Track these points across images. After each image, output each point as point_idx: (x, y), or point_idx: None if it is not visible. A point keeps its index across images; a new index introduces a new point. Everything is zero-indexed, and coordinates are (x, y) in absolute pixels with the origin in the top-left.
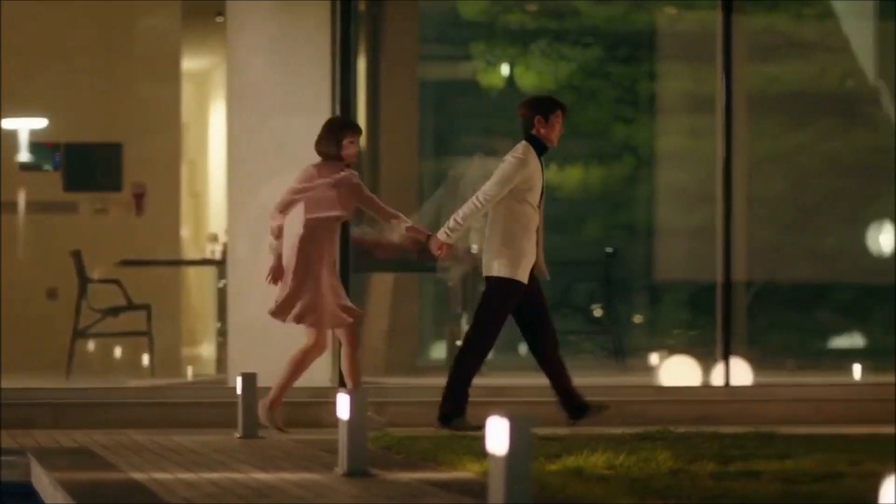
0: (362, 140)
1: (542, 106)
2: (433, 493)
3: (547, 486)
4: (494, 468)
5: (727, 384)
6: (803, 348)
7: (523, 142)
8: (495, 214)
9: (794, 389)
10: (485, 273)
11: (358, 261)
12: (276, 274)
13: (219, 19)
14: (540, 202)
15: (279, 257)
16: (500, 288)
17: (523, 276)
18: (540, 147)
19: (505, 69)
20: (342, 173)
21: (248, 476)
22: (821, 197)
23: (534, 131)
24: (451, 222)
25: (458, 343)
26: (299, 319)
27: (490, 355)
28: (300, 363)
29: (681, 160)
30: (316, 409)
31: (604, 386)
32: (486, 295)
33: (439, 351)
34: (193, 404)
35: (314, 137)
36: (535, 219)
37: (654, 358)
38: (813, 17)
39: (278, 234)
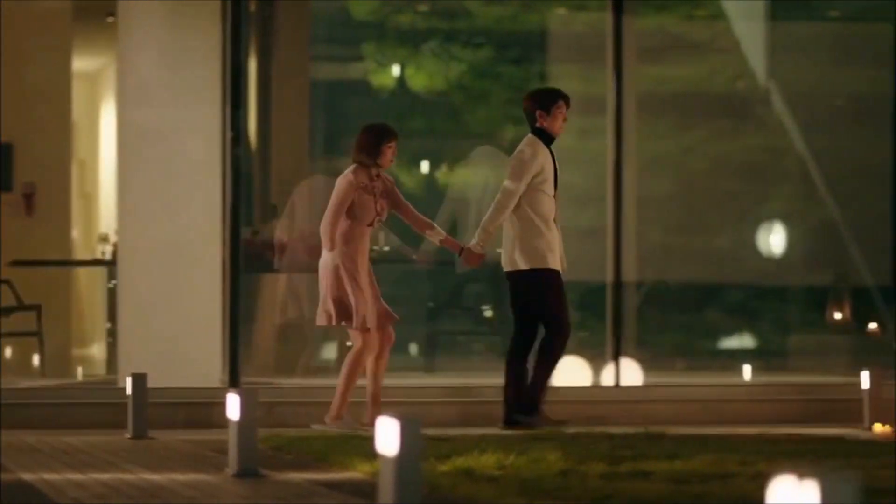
0: (254, 140)
1: (543, 98)
2: (323, 493)
3: (437, 487)
4: (384, 469)
5: (617, 384)
6: (693, 349)
7: (529, 135)
8: (515, 210)
9: (684, 390)
10: (506, 268)
11: (249, 262)
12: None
13: (109, 19)
14: (555, 192)
15: (336, 268)
16: (528, 280)
17: (554, 264)
18: (547, 138)
19: (396, 70)
20: (377, 179)
21: (138, 476)
22: (710, 198)
23: (537, 124)
24: (480, 232)
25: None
26: (349, 322)
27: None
28: (355, 366)
29: (571, 161)
30: (207, 409)
31: (494, 386)
32: (511, 291)
33: (330, 352)
34: (83, 405)
35: (205, 137)
36: (553, 209)
37: None
38: (703, 19)
39: (332, 247)
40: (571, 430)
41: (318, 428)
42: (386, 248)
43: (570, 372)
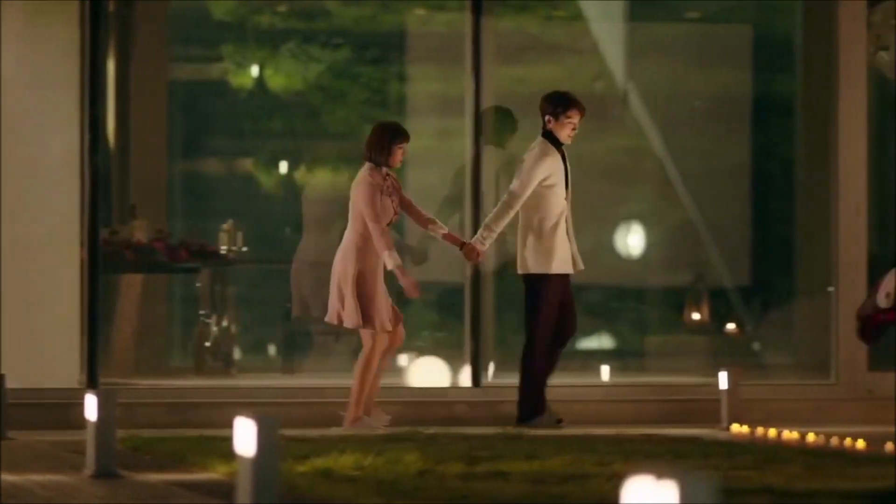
0: (113, 140)
1: (556, 103)
2: (181, 494)
3: (295, 487)
4: (242, 469)
5: (476, 385)
6: None
7: (539, 137)
8: (525, 212)
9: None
10: (519, 271)
11: (106, 261)
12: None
13: None
14: (567, 194)
15: (359, 272)
16: (536, 284)
17: (560, 269)
18: (555, 141)
19: (254, 70)
20: (389, 178)
21: None
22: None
23: (546, 127)
24: (483, 230)
25: (207, 344)
26: (364, 324)
27: (238, 355)
28: (368, 368)
29: (430, 161)
30: (64, 410)
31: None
32: (526, 293)
33: (187, 352)
34: None
35: (64, 137)
36: (563, 212)
37: (402, 359)
38: (562, 20)
39: (391, 245)
40: (431, 430)
41: (338, 431)
42: (245, 249)
43: (428, 372)
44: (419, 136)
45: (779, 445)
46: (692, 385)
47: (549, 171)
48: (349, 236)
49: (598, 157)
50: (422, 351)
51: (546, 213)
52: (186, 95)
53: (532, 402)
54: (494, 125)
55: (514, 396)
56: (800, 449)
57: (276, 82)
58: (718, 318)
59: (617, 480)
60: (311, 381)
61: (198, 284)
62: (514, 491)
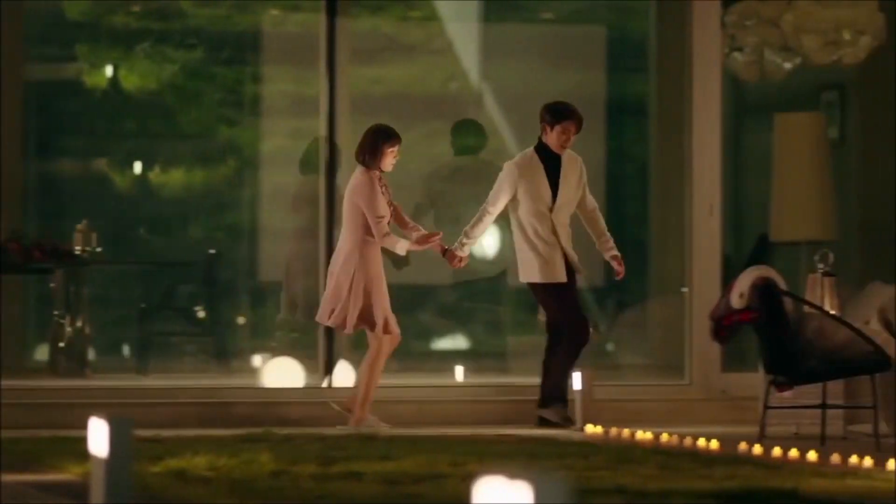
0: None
1: (553, 113)
2: (34, 495)
3: (149, 488)
4: (95, 470)
5: (330, 386)
6: (406, 350)
7: (530, 148)
8: (513, 222)
9: (397, 390)
10: (521, 280)
11: None
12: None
13: None
14: (553, 204)
15: (360, 273)
16: (537, 290)
17: (550, 277)
18: (548, 151)
19: (109, 70)
20: (382, 180)
21: None
22: (425, 198)
23: (542, 136)
24: (462, 236)
25: (62, 345)
26: (372, 326)
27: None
28: (374, 368)
29: (284, 162)
30: None
31: (208, 388)
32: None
33: (42, 353)
34: None
35: None
36: (546, 222)
37: (257, 359)
38: (417, 20)
39: (395, 241)
40: (285, 431)
41: (343, 429)
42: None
43: (283, 373)
44: (274, 136)
45: (633, 446)
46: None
47: (516, 182)
48: (350, 242)
49: (453, 157)
50: (276, 352)
51: (525, 227)
52: (42, 95)
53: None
54: (463, 135)
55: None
56: (653, 449)
57: (130, 82)
58: None
59: (471, 481)
60: (164, 381)
61: (52, 285)
62: (369, 491)
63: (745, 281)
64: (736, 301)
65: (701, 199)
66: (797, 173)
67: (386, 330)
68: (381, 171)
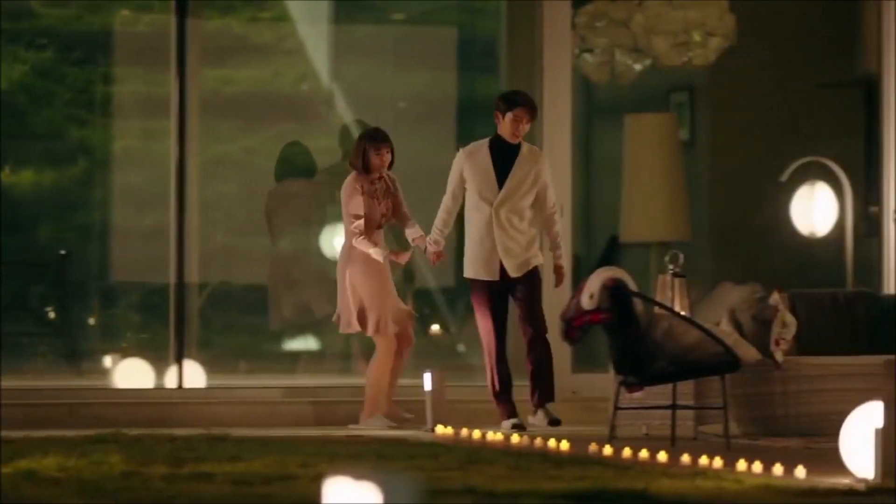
0: None
1: (503, 102)
2: None
3: None
4: None
5: (180, 386)
6: (257, 350)
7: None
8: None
9: (248, 392)
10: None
11: None
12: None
13: None
14: (497, 197)
15: (351, 274)
16: (470, 288)
17: (485, 275)
18: (502, 141)
19: None
20: (380, 181)
21: None
22: (276, 199)
23: (497, 124)
24: (433, 232)
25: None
26: (364, 327)
27: None
28: (380, 370)
29: (135, 162)
30: None
31: (58, 388)
32: None
33: None
34: None
35: None
36: (482, 215)
37: (107, 360)
38: (268, 21)
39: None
40: (135, 432)
41: (354, 428)
42: None
43: (133, 374)
44: (124, 136)
45: (483, 446)
46: (398, 387)
47: (469, 174)
48: (345, 245)
49: (303, 157)
50: (126, 352)
51: (470, 219)
52: None
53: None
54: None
55: (219, 398)
56: (504, 450)
57: None
58: (423, 320)
59: (321, 481)
60: (14, 382)
61: None
62: (219, 492)
63: (595, 282)
64: (586, 302)
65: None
66: (647, 174)
67: (377, 331)
68: (371, 173)
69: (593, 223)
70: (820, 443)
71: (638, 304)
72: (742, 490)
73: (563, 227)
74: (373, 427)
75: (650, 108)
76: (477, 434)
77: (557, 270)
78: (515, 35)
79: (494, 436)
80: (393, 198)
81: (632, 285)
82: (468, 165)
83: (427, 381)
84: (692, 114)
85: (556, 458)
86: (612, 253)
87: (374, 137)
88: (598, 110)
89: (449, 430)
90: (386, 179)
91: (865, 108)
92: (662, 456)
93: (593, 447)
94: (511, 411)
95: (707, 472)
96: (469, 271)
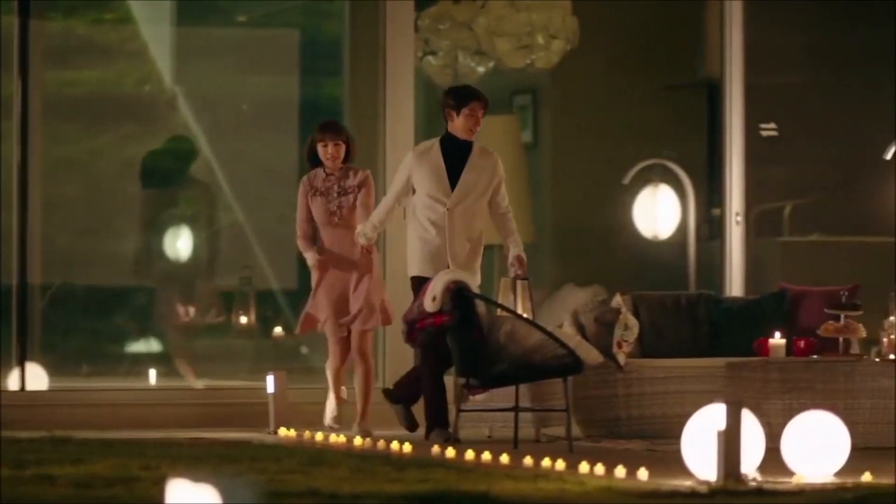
0: None
1: (453, 98)
2: None
3: None
4: None
5: (22, 389)
6: (100, 353)
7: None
8: (408, 212)
9: (91, 394)
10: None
11: None
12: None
13: None
14: (451, 198)
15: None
16: (412, 286)
17: (431, 273)
18: (453, 140)
19: None
20: (330, 181)
21: None
22: (118, 202)
23: (448, 123)
24: (367, 225)
25: None
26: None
27: None
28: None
29: None
30: None
31: None
32: None
33: None
34: None
35: None
36: (434, 216)
37: None
38: (111, 22)
39: (309, 250)
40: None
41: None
42: None
43: None
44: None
45: (326, 448)
46: (240, 389)
47: (418, 174)
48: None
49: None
50: None
51: (416, 217)
52: None
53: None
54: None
55: (62, 400)
56: (346, 452)
57: None
58: (266, 322)
59: (164, 484)
60: None
61: None
62: (61, 495)
63: (438, 284)
64: (429, 304)
65: None
66: None
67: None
68: (326, 167)
69: None
70: (662, 445)
71: (480, 307)
72: (584, 492)
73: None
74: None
75: (493, 111)
76: (319, 436)
77: (519, 260)
78: (358, 37)
79: (337, 438)
80: (352, 197)
81: (474, 288)
82: (418, 167)
83: (269, 383)
84: (535, 116)
85: (398, 461)
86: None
87: (322, 129)
88: (440, 112)
89: (291, 433)
90: (348, 177)
91: (708, 110)
92: (505, 458)
93: (436, 450)
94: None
95: (549, 475)
96: (414, 269)
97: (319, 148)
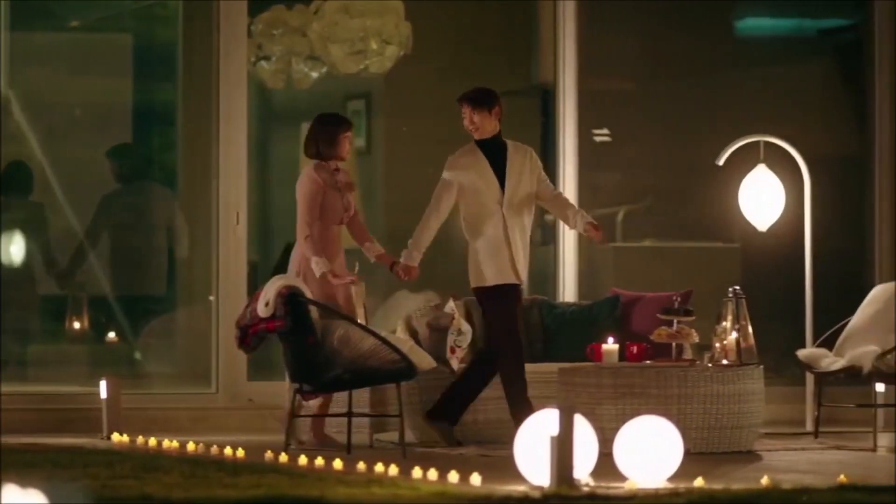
0: None
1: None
2: None
3: None
4: None
5: None
6: None
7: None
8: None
9: None
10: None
11: None
12: None
13: None
14: (502, 198)
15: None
16: (479, 296)
17: (514, 277)
18: (486, 144)
19: None
20: (339, 173)
21: None
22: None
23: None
24: (411, 248)
25: None
26: None
27: None
28: None
29: None
30: None
31: None
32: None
33: None
34: None
35: None
36: (489, 219)
37: None
38: None
39: (315, 251)
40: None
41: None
42: None
43: None
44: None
45: (159, 454)
46: (73, 394)
47: (453, 177)
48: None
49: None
50: None
51: (474, 224)
52: None
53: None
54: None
55: None
56: (180, 458)
57: None
58: (99, 327)
59: None
60: None
61: None
62: None
63: (271, 290)
64: (262, 310)
65: (227, 207)
66: None
67: None
68: (340, 161)
69: (270, 230)
70: (496, 450)
71: (313, 312)
72: (418, 497)
73: (240, 235)
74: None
75: None
76: (153, 442)
77: (593, 227)
78: (192, 42)
79: (170, 444)
80: (350, 196)
81: (307, 293)
82: (466, 169)
83: (102, 388)
84: (368, 121)
85: (231, 466)
86: (288, 260)
87: (346, 121)
88: (274, 117)
89: (124, 438)
90: (345, 172)
91: (542, 116)
92: (338, 463)
93: (269, 455)
94: None
95: (383, 480)
96: (496, 278)
97: (343, 140)
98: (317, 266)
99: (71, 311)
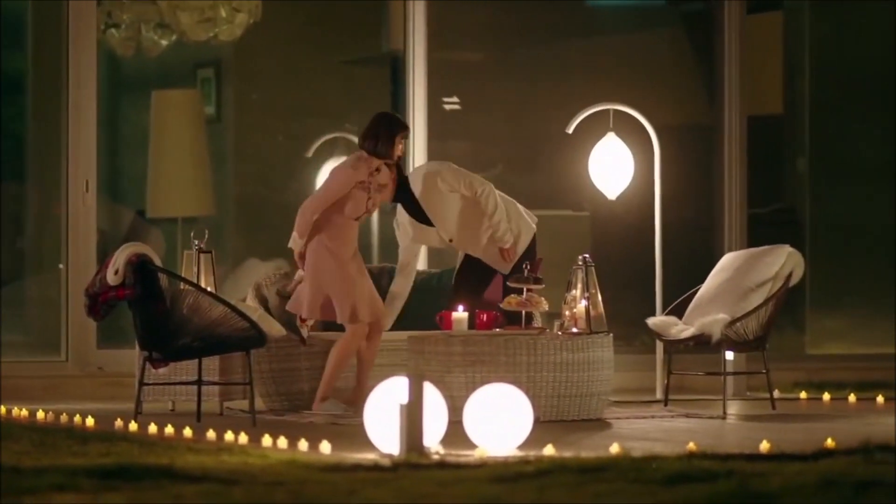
0: None
1: None
2: None
3: None
4: None
5: None
6: None
7: None
8: None
9: None
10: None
11: None
12: None
13: None
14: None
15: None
16: None
17: None
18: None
19: None
20: (377, 174)
21: None
22: None
23: None
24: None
25: None
26: (333, 316)
27: None
28: (343, 355)
29: None
30: None
31: None
32: None
33: None
34: None
35: None
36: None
37: None
38: None
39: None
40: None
41: (308, 413)
42: None
43: None
44: None
45: (8, 423)
46: None
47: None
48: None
49: None
50: None
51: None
52: None
53: None
54: None
55: None
56: (29, 426)
57: None
58: None
59: None
60: None
61: None
62: None
63: (120, 257)
64: (111, 277)
65: (77, 175)
66: (173, 150)
67: (353, 319)
68: (391, 161)
69: (120, 198)
70: (346, 418)
71: (163, 280)
72: (268, 465)
73: (90, 203)
74: (329, 411)
75: (177, 84)
76: (2, 410)
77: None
78: (41, 10)
79: (20, 412)
80: (376, 200)
81: (157, 261)
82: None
83: None
84: (218, 89)
85: (81, 434)
86: (137, 228)
87: (403, 124)
88: (124, 85)
89: None
90: (386, 172)
91: (391, 85)
92: (188, 432)
93: (119, 423)
94: None
95: (232, 448)
96: None
97: (399, 142)
98: (293, 242)
99: None
